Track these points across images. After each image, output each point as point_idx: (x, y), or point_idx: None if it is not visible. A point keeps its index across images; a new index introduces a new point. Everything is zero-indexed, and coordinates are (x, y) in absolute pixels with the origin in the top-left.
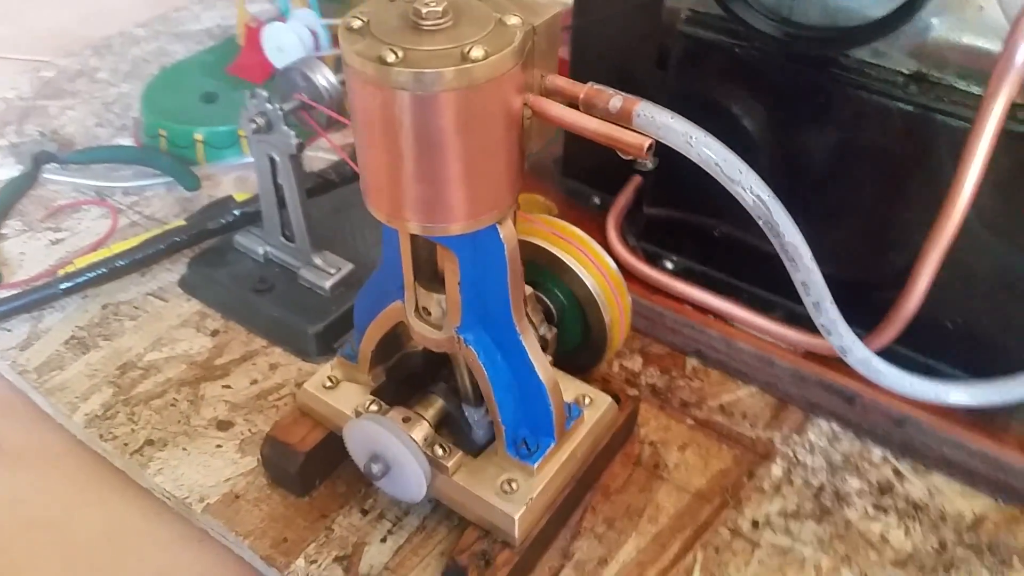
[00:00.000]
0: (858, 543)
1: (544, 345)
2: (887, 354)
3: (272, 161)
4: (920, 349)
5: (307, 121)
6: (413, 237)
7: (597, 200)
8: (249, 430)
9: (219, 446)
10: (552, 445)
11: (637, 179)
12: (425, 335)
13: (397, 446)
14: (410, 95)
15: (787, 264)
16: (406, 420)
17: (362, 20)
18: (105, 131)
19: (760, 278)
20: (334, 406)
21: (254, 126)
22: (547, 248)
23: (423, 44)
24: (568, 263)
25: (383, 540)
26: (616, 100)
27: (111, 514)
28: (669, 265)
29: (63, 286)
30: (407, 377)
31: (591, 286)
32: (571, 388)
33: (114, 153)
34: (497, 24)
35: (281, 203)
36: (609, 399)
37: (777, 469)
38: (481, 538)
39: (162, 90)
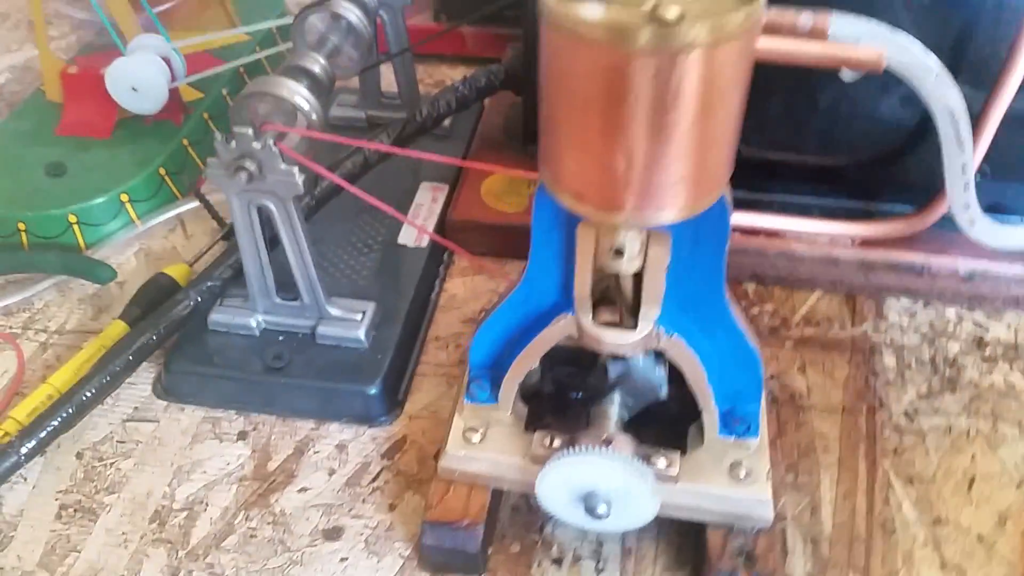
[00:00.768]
0: (993, 397)
1: None
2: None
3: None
4: None
5: (286, 153)
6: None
7: None
8: (366, 526)
9: (344, 559)
10: (759, 411)
11: None
12: (615, 341)
13: (621, 474)
14: (686, 56)
15: (953, 151)
16: (608, 443)
17: None
18: None
19: (784, 187)
20: (497, 459)
21: (245, 175)
22: None
23: None
24: None
25: None
26: (806, 17)
27: None
28: None
29: (24, 448)
30: (529, 397)
31: None
32: None
33: None
34: None
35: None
36: None
37: (889, 359)
38: (728, 536)
39: None
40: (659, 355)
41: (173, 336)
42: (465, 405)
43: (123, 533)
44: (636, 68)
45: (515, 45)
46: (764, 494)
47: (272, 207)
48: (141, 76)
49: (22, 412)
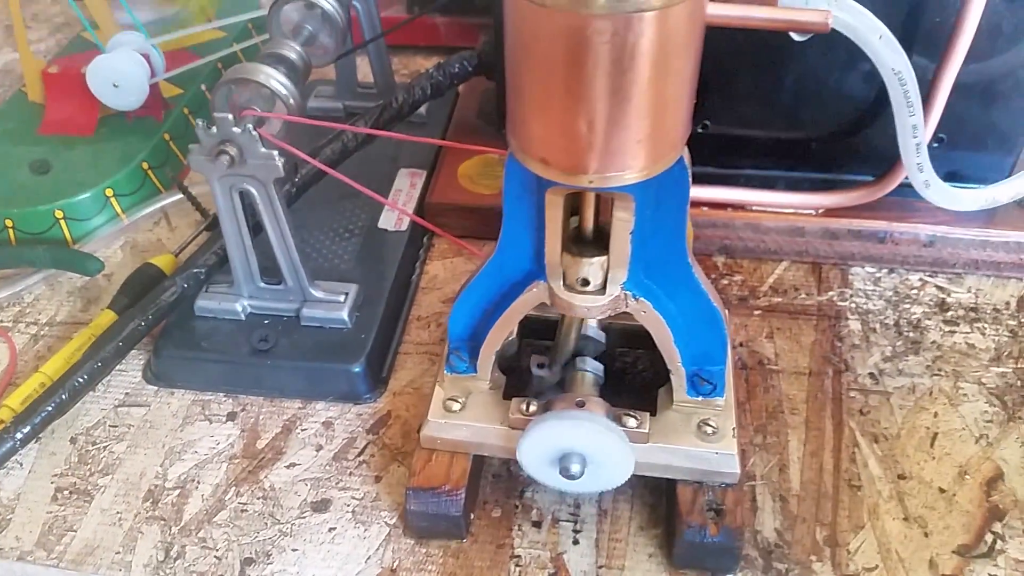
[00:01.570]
0: (955, 357)
1: None
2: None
3: (241, 198)
4: None
5: (265, 138)
6: (566, 216)
7: None
8: (353, 497)
9: (332, 528)
10: (725, 372)
11: None
12: (585, 305)
13: (596, 434)
14: (637, 17)
15: (903, 112)
16: (581, 404)
17: None
18: None
19: (750, 161)
20: (477, 426)
21: (227, 159)
22: None
23: None
24: None
25: (575, 543)
26: None
27: None
28: None
29: (19, 434)
30: (509, 368)
31: None
32: None
33: None
34: None
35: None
36: None
37: (855, 324)
38: (697, 491)
39: None
40: None
41: (161, 323)
42: (445, 376)
43: (117, 512)
44: (594, 31)
45: (487, 32)
46: (731, 450)
47: (254, 192)
48: (122, 72)
49: (16, 400)
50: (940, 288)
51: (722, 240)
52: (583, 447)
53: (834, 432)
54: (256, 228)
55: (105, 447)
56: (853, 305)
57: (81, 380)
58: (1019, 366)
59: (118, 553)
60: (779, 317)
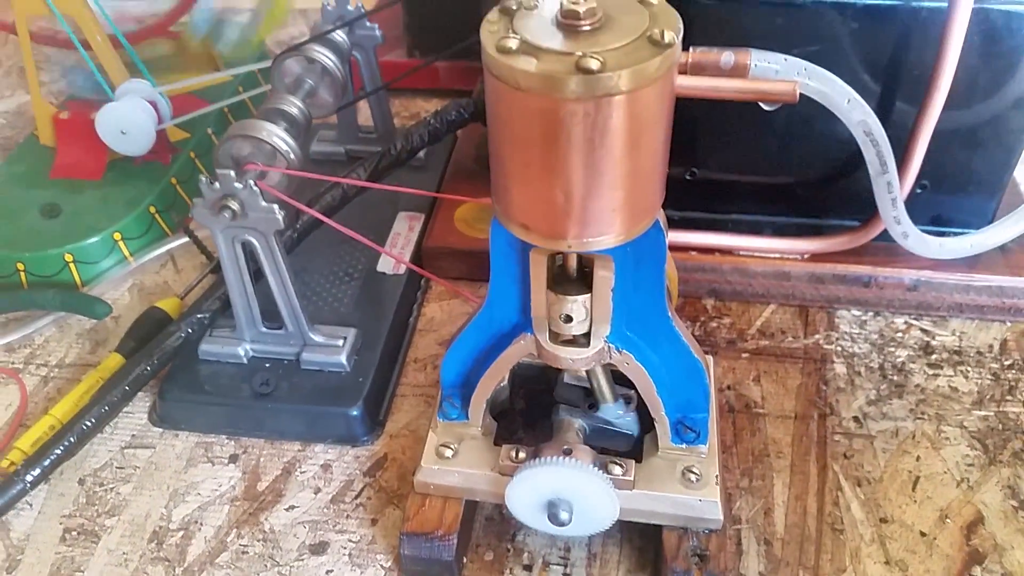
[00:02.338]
0: (938, 400)
1: None
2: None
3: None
4: None
5: (266, 191)
6: (550, 259)
7: None
8: (350, 540)
9: (329, 571)
10: (708, 420)
11: None
12: (570, 357)
13: (581, 481)
14: (606, 100)
15: (876, 171)
16: (568, 452)
17: (514, 38)
18: None
19: (737, 207)
20: (469, 472)
21: (228, 213)
22: None
23: (602, 44)
24: None
25: None
26: (728, 56)
27: None
28: None
29: (30, 477)
30: (501, 414)
31: None
32: None
33: None
34: (643, 4)
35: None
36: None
37: (840, 367)
38: (682, 537)
39: None
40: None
41: (166, 366)
42: (439, 423)
43: (124, 553)
44: (567, 112)
45: (483, 78)
46: (714, 497)
47: (255, 242)
48: (129, 120)
49: (26, 442)
50: (925, 331)
51: (711, 283)
52: (570, 494)
53: (818, 475)
54: (258, 274)
55: (112, 488)
56: (839, 348)
57: (89, 423)
58: (1001, 409)
59: None
60: (766, 360)
